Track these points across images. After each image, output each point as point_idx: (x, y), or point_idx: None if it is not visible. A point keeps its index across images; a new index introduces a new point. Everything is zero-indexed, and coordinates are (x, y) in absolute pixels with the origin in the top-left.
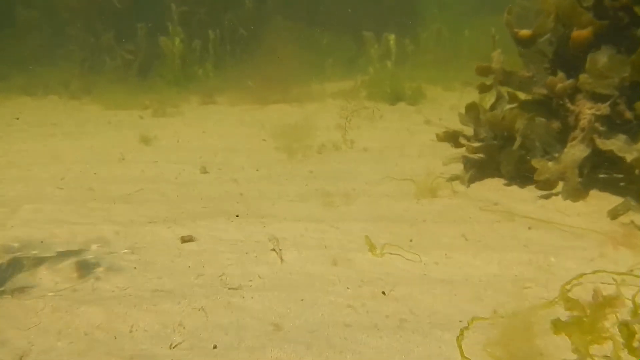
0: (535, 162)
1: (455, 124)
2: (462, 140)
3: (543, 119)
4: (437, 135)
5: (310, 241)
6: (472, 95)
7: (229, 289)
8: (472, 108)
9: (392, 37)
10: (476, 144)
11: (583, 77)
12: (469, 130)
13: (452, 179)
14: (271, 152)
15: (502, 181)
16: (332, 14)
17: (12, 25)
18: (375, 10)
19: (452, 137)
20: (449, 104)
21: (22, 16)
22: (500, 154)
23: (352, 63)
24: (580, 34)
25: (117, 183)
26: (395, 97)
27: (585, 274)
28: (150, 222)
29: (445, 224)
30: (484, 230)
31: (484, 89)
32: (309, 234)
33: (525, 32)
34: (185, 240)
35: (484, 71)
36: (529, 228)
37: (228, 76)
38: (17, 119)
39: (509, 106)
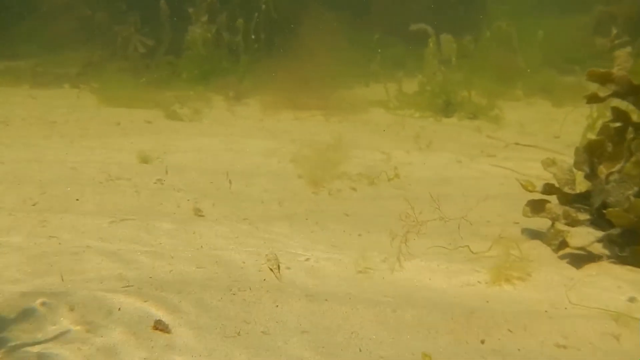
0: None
1: (525, 152)
2: (557, 209)
3: None
4: (523, 185)
5: (335, 341)
6: (536, 108)
7: None
8: (597, 147)
9: (449, 38)
10: (586, 217)
11: None
12: (569, 179)
13: (538, 241)
14: (299, 181)
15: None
16: (386, 5)
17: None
18: (435, 3)
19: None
20: (514, 120)
21: None
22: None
23: (402, 63)
24: None
25: (92, 216)
26: (449, 108)
27: None
28: (124, 288)
29: (535, 327)
30: (589, 337)
31: (594, 102)
32: (336, 325)
33: None
34: (159, 328)
35: (601, 78)
36: None
37: (262, 73)
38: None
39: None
